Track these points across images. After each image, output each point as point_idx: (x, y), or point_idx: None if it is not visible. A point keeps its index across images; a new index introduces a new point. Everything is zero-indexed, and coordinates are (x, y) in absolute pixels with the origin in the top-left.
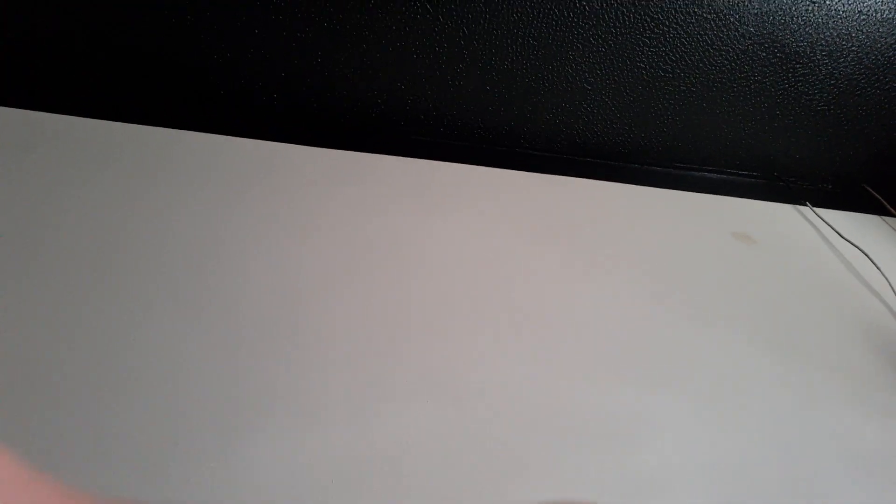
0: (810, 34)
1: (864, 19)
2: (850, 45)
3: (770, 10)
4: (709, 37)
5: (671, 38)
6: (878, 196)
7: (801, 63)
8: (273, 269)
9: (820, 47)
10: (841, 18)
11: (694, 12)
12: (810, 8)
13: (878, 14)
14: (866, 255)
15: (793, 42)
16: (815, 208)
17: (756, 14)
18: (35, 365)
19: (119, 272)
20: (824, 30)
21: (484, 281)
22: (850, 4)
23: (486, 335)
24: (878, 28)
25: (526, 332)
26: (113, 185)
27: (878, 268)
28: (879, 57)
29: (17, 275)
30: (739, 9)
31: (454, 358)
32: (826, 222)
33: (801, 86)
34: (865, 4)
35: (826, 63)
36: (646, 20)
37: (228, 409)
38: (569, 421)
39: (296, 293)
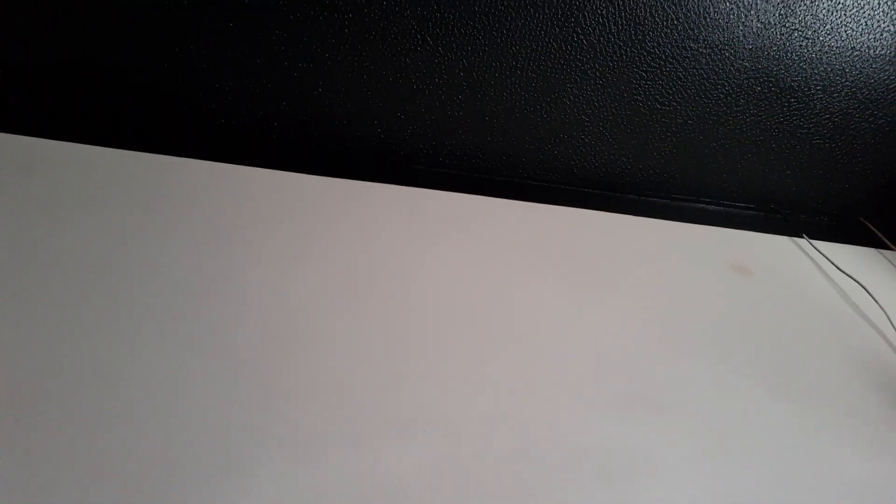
0: (804, 69)
1: (857, 55)
2: (843, 80)
3: (764, 45)
4: (704, 71)
5: (667, 71)
6: (874, 229)
7: (795, 97)
8: (269, 297)
9: (814, 82)
10: (834, 54)
11: (690, 47)
12: (804, 44)
13: (871, 50)
14: (864, 287)
15: (787, 77)
16: (812, 240)
17: (751, 49)
18: (28, 392)
19: (114, 300)
20: (818, 65)
21: (481, 311)
22: (842, 41)
23: (483, 366)
24: (871, 64)
25: (522, 364)
26: (112, 210)
27: (875, 301)
28: (873, 92)
29: (13, 298)
30: (734, 44)
31: (451, 389)
32: (823, 255)
33: (796, 120)
34: (858, 41)
35: (820, 98)
36: (642, 54)
37: (223, 442)
38: (566, 454)
39: (292, 323)
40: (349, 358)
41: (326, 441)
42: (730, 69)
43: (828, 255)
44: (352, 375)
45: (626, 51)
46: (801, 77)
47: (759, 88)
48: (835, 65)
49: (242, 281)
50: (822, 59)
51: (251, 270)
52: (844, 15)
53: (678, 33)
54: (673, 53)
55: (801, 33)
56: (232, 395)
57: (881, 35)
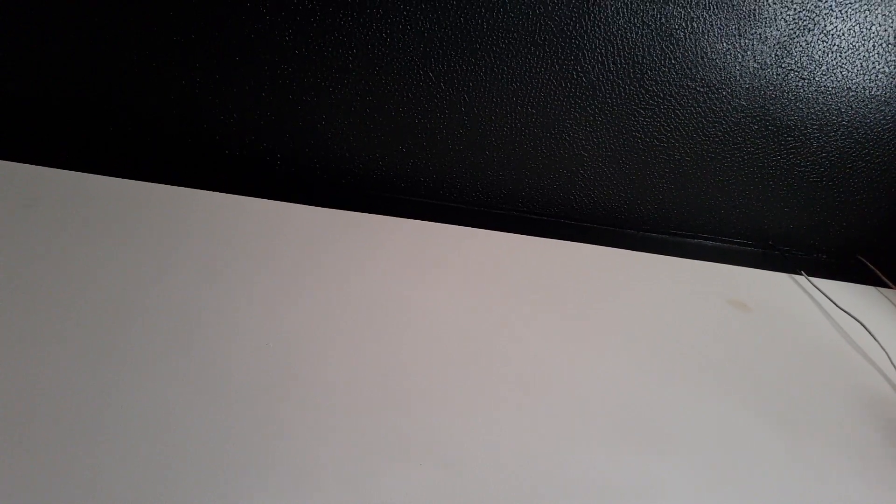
0: (801, 109)
1: (852, 96)
2: (840, 119)
3: (761, 84)
4: (702, 109)
5: (665, 109)
6: (872, 267)
7: (792, 136)
8: (269, 326)
9: (811, 121)
10: (830, 94)
11: (687, 85)
12: (800, 84)
13: (867, 91)
14: (863, 325)
15: (784, 116)
16: (810, 277)
17: (747, 88)
18: (21, 422)
19: (109, 330)
20: (814, 105)
21: (480, 343)
22: (838, 82)
23: (481, 398)
24: (867, 104)
25: (520, 396)
26: (117, 239)
27: (875, 338)
28: (869, 132)
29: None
30: (731, 83)
31: (448, 421)
32: (822, 292)
33: (793, 158)
34: (854, 82)
35: (817, 136)
36: (641, 92)
37: (219, 473)
38: (563, 487)
39: (290, 354)
40: (347, 388)
41: (322, 472)
42: (727, 107)
43: (826, 293)
44: (348, 406)
45: (624, 88)
46: (798, 116)
47: (756, 127)
48: (831, 105)
49: (243, 309)
50: (818, 98)
51: (252, 299)
52: (840, 56)
53: (676, 72)
54: (671, 92)
55: (797, 73)
56: (228, 425)
57: (876, 76)
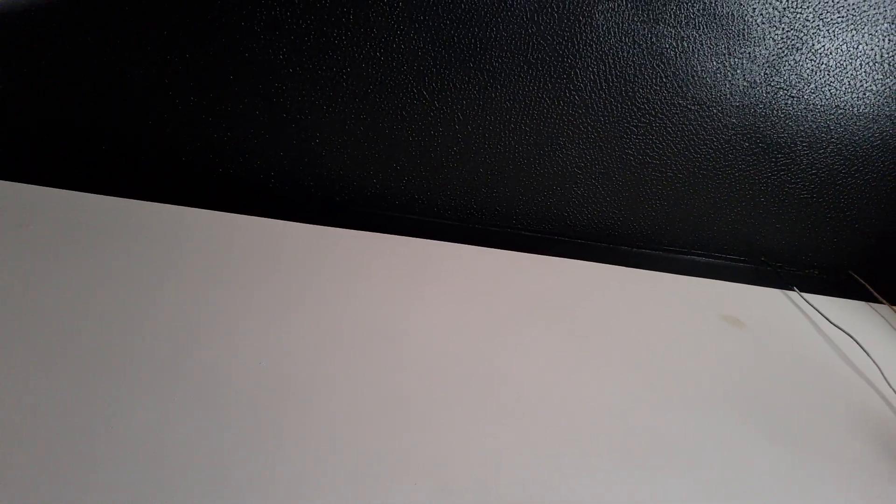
0: (790, 126)
1: (841, 113)
2: (829, 137)
3: (751, 103)
4: (693, 127)
5: (657, 127)
6: (863, 283)
7: (782, 153)
8: (263, 345)
9: (800, 139)
10: (819, 112)
11: (678, 103)
12: (789, 102)
13: (855, 108)
14: (855, 340)
15: (774, 133)
16: (802, 293)
17: (738, 106)
18: (16, 443)
19: (103, 350)
20: (804, 122)
21: (474, 360)
22: (827, 100)
23: (475, 416)
24: (856, 122)
25: (514, 413)
26: (110, 257)
27: (867, 353)
28: (857, 149)
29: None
30: (721, 101)
31: (443, 441)
32: (814, 307)
33: (783, 175)
34: (842, 100)
35: (807, 154)
36: (633, 110)
37: (212, 491)
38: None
39: (283, 372)
40: (341, 407)
41: (315, 491)
42: (717, 125)
43: (819, 308)
44: (341, 425)
45: (616, 107)
46: (788, 134)
47: (746, 144)
48: (820, 122)
49: (237, 328)
50: (807, 116)
51: (246, 317)
52: (828, 75)
53: (667, 90)
54: (662, 110)
55: (786, 92)
56: (220, 443)
57: (864, 94)
